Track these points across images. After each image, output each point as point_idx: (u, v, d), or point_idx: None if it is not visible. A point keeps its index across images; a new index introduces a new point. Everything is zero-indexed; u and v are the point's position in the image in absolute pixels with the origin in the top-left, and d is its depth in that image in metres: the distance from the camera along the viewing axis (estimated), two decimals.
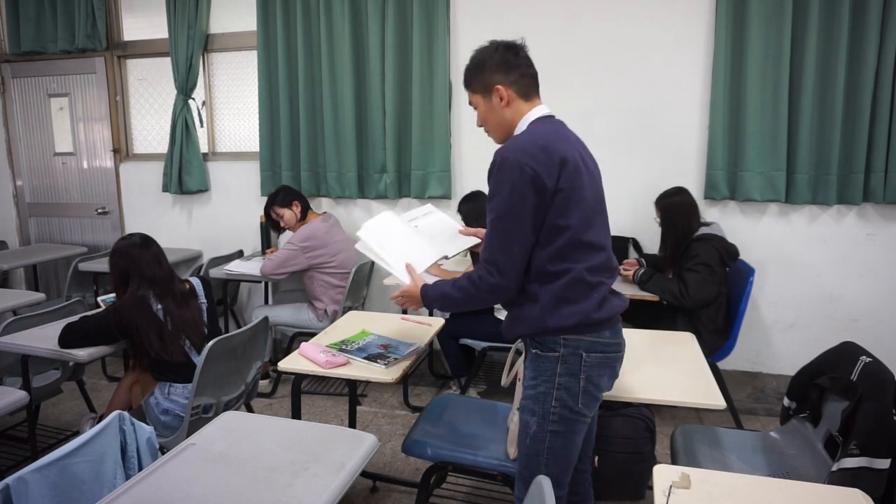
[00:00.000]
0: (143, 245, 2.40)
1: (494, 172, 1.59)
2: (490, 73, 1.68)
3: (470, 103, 1.78)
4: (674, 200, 3.08)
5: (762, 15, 3.17)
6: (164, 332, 2.33)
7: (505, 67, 1.68)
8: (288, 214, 3.58)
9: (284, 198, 3.59)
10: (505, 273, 1.58)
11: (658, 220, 3.14)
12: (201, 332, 2.44)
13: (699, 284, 2.91)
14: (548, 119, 1.71)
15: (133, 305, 2.32)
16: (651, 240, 3.54)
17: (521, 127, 1.69)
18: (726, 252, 2.97)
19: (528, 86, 1.70)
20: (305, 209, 3.61)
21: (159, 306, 2.33)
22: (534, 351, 1.65)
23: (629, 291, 3.04)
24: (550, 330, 1.60)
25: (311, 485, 1.43)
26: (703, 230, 3.01)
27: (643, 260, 3.30)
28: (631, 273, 3.15)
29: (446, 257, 1.93)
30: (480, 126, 1.79)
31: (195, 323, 2.41)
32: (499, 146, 1.65)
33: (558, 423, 1.62)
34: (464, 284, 1.65)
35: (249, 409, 2.64)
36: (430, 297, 1.76)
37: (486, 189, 3.83)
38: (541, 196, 1.55)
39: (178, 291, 2.42)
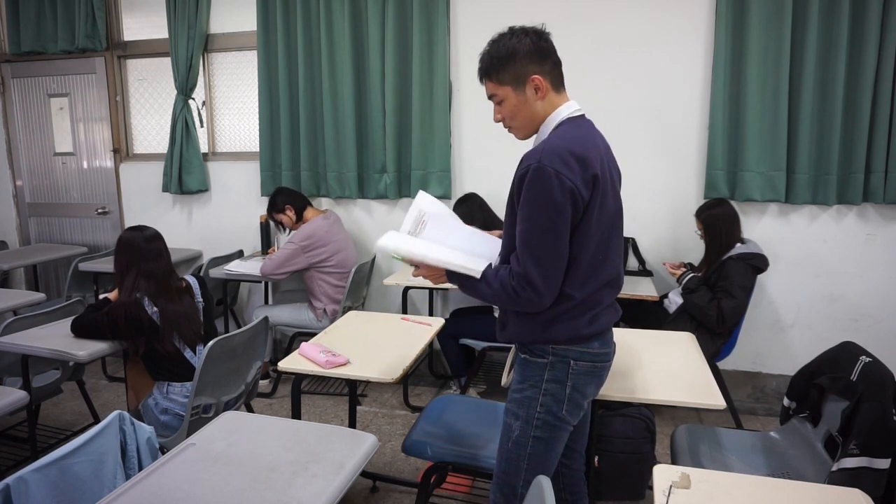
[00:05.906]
0: (149, 238, 2.42)
1: (528, 181, 1.44)
2: (524, 63, 1.53)
3: (491, 97, 1.60)
4: (715, 212, 3.02)
5: (762, 15, 3.17)
6: (157, 330, 2.34)
7: (539, 55, 1.54)
8: (285, 219, 3.64)
9: (275, 204, 3.63)
10: (539, 290, 1.46)
11: (699, 232, 3.08)
12: (195, 329, 2.44)
13: (734, 311, 2.86)
14: (579, 121, 1.58)
15: (128, 305, 2.32)
16: (650, 240, 3.54)
17: (550, 124, 1.57)
18: (759, 268, 2.92)
19: (559, 76, 1.58)
20: (301, 210, 3.62)
21: (154, 309, 2.33)
22: (522, 355, 1.62)
23: (636, 292, 3.05)
24: (539, 341, 1.58)
25: (311, 485, 1.43)
26: (739, 248, 2.94)
27: (690, 264, 3.24)
28: (678, 274, 3.08)
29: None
30: (500, 121, 1.63)
31: (188, 318, 2.42)
32: (529, 151, 1.51)
33: (542, 429, 1.60)
34: (496, 288, 1.51)
35: (249, 409, 2.64)
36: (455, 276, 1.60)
37: (483, 190, 3.83)
38: (576, 210, 1.45)
39: (175, 287, 2.43)
